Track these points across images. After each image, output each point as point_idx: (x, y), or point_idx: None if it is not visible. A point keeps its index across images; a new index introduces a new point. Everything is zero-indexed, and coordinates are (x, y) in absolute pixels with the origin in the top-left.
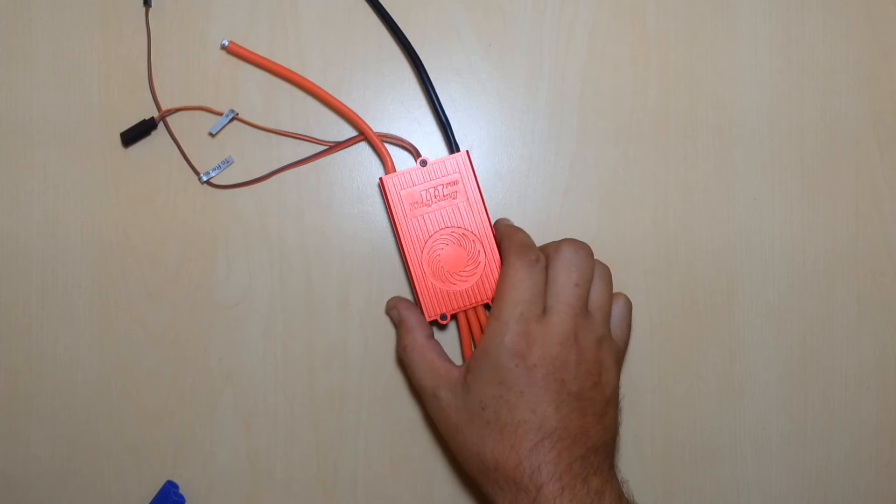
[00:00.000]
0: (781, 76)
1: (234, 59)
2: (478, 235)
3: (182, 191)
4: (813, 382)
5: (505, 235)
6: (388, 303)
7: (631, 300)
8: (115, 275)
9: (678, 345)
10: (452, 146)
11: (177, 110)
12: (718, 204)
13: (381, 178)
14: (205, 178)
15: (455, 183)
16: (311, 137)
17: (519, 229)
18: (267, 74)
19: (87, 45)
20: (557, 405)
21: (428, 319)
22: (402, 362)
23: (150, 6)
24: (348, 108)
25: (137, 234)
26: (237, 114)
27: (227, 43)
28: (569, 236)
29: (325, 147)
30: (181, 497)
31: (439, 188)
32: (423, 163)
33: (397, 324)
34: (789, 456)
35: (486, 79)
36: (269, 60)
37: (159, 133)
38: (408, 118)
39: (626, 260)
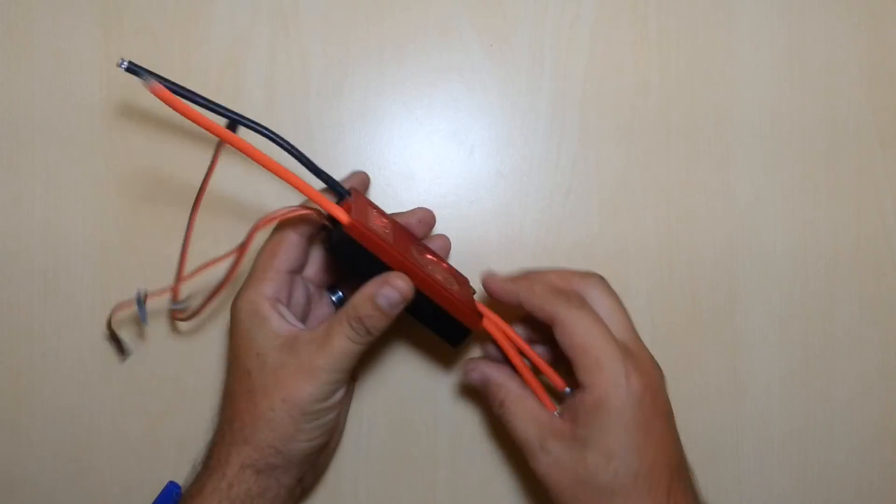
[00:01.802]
0: (783, 75)
1: (236, 61)
2: (420, 241)
3: (182, 191)
4: (815, 382)
5: (530, 288)
6: (466, 367)
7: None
8: (116, 275)
9: (680, 344)
10: (341, 193)
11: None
12: (720, 204)
13: (349, 224)
14: None
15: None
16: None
17: (535, 274)
18: (269, 77)
19: (88, 44)
20: (670, 432)
21: (475, 328)
22: (503, 419)
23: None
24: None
25: (139, 234)
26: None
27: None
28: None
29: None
30: None
31: (383, 212)
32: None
33: (484, 383)
34: (791, 456)
35: (487, 78)
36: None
37: (161, 134)
38: (409, 118)
39: (628, 260)
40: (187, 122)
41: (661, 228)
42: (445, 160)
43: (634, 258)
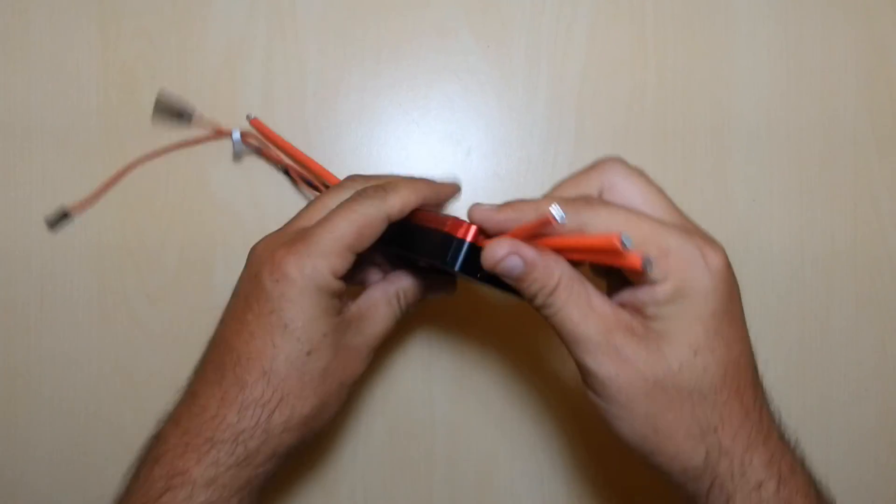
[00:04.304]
0: (780, 78)
1: (233, 61)
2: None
3: (180, 193)
4: (811, 383)
5: (536, 211)
6: (493, 250)
7: None
8: (113, 277)
9: None
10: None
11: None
12: (717, 205)
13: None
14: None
15: None
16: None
17: (534, 201)
18: (265, 78)
19: (85, 47)
20: (744, 319)
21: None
22: (551, 309)
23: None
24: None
25: (136, 236)
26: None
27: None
28: None
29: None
30: None
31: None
32: None
33: (526, 267)
34: None
35: (484, 80)
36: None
37: (158, 135)
38: (405, 119)
39: None
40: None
41: None
42: (442, 162)
43: None
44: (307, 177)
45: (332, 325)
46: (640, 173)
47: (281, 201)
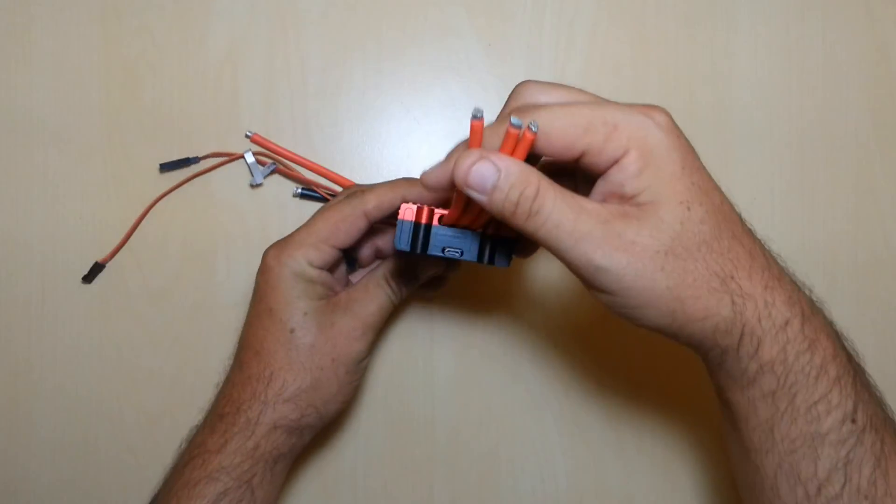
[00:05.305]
0: (781, 76)
1: (235, 61)
2: None
3: (182, 192)
4: None
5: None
6: (468, 157)
7: None
8: (115, 276)
9: (676, 348)
10: None
11: (219, 159)
12: None
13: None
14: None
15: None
16: (323, 186)
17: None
18: (267, 76)
19: (87, 45)
20: (714, 180)
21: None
22: (538, 218)
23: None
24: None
25: (137, 235)
26: (276, 167)
27: (251, 134)
28: None
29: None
30: None
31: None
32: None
33: (502, 173)
34: None
35: (485, 78)
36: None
37: (160, 134)
38: (408, 118)
39: None
40: (185, 124)
41: None
42: None
43: None
44: (329, 188)
45: (312, 306)
46: (555, 83)
47: (282, 199)
